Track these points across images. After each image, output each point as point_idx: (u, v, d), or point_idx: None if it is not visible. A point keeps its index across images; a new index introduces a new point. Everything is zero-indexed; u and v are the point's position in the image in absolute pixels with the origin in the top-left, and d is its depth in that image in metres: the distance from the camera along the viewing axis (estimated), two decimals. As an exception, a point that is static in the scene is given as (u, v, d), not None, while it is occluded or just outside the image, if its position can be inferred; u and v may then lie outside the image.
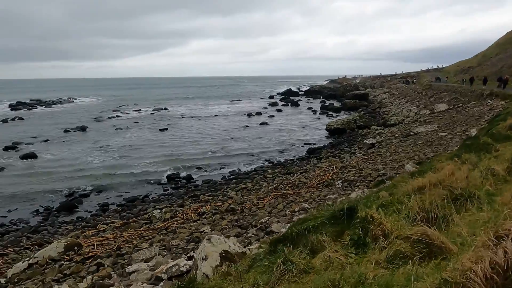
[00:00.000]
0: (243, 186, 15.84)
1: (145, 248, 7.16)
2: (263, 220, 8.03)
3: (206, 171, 21.91)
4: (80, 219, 14.46)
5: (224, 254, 3.53)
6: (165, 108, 58.87)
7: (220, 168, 22.31)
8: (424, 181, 4.13)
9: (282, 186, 13.56)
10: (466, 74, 53.12)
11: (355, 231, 2.85)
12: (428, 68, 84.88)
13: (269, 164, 22.33)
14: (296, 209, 8.28)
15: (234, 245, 3.81)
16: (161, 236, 8.83)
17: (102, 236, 9.89)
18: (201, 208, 11.69)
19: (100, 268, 6.27)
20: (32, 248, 10.52)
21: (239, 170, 21.60)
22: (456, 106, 31.52)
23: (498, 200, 3.44)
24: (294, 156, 24.51)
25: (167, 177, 20.46)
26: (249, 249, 4.36)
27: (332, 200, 8.66)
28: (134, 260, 5.92)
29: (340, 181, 11.82)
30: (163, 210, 12.79)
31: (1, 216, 15.39)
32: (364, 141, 23.71)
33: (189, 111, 55.46)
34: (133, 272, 4.94)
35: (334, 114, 46.85)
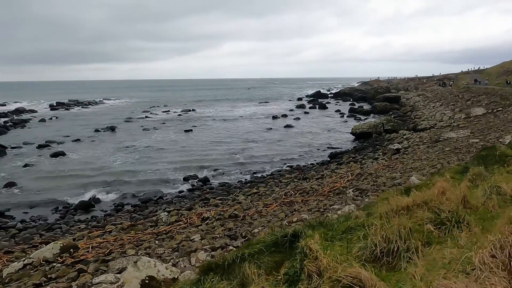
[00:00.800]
0: (255, 190, 15.44)
1: (130, 255, 6.98)
2: (256, 230, 7.61)
3: (223, 173, 21.75)
4: (93, 218, 14.72)
5: (147, 281, 3.15)
6: (193, 110, 59.78)
7: (238, 171, 22.07)
8: (407, 201, 3.55)
9: (292, 192, 13.02)
10: (510, 76, 49.57)
11: (293, 264, 2.40)
12: (468, 69, 79.98)
13: (287, 168, 21.78)
14: (295, 219, 7.78)
15: (167, 269, 3.43)
16: (155, 242, 8.64)
17: (103, 238, 9.88)
18: (206, 213, 11.44)
19: (80, 274, 6.17)
20: (40, 247, 10.72)
21: (256, 173, 21.24)
22: (495, 110, 29.28)
23: (484, 229, 2.82)
24: (314, 160, 23.79)
25: (183, 178, 20.52)
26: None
27: (335, 211, 8.06)
28: (111, 269, 5.75)
29: (352, 189, 11.11)
30: (170, 213, 12.68)
31: (23, 212, 16.03)
32: (389, 146, 22.51)
33: (216, 113, 55.90)
34: (98, 284, 4.74)
35: (363, 117, 45.28)
